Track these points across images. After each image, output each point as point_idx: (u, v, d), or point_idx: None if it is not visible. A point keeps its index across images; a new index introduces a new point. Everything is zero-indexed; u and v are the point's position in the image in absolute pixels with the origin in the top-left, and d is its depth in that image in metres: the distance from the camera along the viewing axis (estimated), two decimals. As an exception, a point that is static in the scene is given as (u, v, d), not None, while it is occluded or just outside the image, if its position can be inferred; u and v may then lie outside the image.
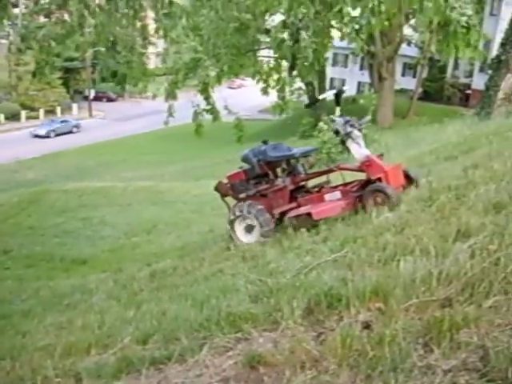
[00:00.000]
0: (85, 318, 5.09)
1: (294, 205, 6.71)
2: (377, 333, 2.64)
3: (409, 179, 6.45)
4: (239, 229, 6.91)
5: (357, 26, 17.18)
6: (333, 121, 6.78)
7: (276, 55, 31.01)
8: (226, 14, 20.17)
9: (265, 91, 31.80)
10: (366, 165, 6.30)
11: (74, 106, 56.74)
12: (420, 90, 39.94)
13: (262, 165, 6.86)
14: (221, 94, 24.78)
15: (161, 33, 12.00)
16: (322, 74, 35.33)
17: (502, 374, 2.21)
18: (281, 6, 14.12)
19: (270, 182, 6.93)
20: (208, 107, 24.81)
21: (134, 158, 39.09)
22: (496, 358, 2.28)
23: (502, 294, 2.76)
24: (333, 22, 18.26)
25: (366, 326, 2.85)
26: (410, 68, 50.53)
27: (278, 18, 27.94)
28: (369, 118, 7.53)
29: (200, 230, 12.63)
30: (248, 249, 6.13)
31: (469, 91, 37.35)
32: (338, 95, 6.88)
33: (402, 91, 42.34)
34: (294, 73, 29.17)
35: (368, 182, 6.30)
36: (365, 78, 48.77)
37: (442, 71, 44.71)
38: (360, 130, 6.54)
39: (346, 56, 52.26)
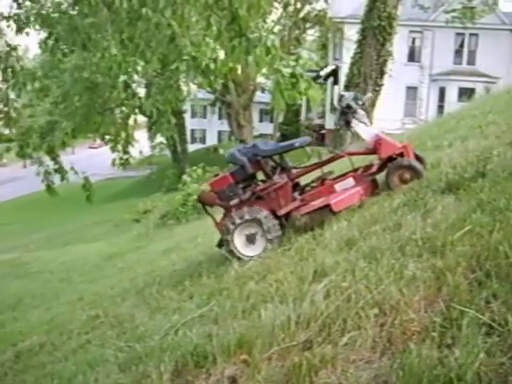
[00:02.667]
0: None
1: (298, 203, 5.95)
2: (242, 387, 2.66)
3: (418, 159, 5.88)
4: (239, 241, 5.88)
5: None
6: (341, 97, 6.04)
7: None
8: (78, 75, 19.88)
9: (113, 149, 31.44)
10: (377, 144, 5.78)
11: None
12: (278, 133, 41.42)
13: (259, 161, 6.05)
14: (81, 155, 24.27)
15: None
16: (181, 127, 35.73)
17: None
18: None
19: (263, 181, 6.14)
20: (56, 167, 24.11)
21: (-8, 230, 36.99)
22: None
23: (355, 330, 2.88)
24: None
25: (233, 380, 2.86)
26: (266, 114, 52.51)
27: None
28: (369, 95, 6.83)
29: (69, 299, 12.08)
30: (118, 314, 5.96)
31: (323, 131, 39.23)
32: (335, 72, 6.25)
33: (261, 136, 43.74)
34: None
35: (388, 160, 5.72)
36: (224, 126, 49.99)
37: (297, 114, 46.82)
38: (363, 107, 6.03)
39: (205, 107, 53.30)
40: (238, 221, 5.81)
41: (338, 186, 5.85)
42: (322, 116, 42.93)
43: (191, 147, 43.86)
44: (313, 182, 6.21)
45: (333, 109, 6.51)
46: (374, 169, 5.78)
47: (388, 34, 16.24)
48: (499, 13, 35.92)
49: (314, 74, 6.46)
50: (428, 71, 38.05)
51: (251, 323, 3.39)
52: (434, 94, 37.83)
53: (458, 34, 35.32)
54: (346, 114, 5.91)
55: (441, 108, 34.80)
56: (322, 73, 6.26)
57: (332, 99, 6.54)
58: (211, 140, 54.19)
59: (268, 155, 6.11)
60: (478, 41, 37.18)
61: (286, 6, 36.28)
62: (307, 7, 38.13)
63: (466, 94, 30.23)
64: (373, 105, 16.43)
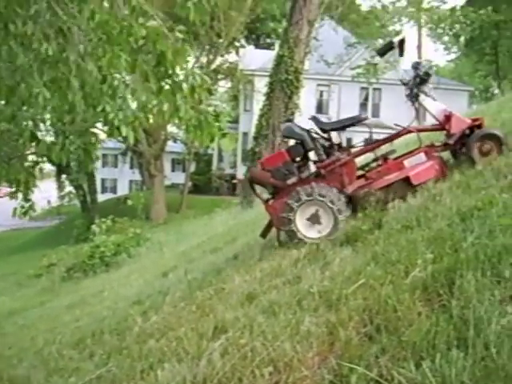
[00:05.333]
0: None
1: (363, 181, 5.59)
2: None
3: None
4: (301, 221, 5.35)
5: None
6: (417, 64, 5.75)
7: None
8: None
9: (12, 196, 30.41)
10: (447, 119, 5.52)
11: None
12: (190, 183, 41.40)
13: (315, 138, 5.61)
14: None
15: None
16: (91, 176, 35.06)
17: None
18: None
19: (315, 162, 5.68)
20: None
21: None
22: None
23: (250, 389, 2.84)
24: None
25: None
26: (178, 163, 52.45)
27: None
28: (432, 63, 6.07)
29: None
30: (13, 376, 5.62)
31: (235, 181, 39.56)
32: (402, 43, 5.95)
33: (173, 186, 43.62)
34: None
35: (469, 132, 5.44)
36: (136, 176, 49.45)
37: (209, 164, 47.10)
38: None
39: (116, 156, 52.65)
40: (304, 198, 5.30)
41: (407, 162, 5.53)
42: (234, 165, 43.38)
43: (102, 197, 43.01)
44: (376, 159, 5.84)
45: (400, 81, 6.11)
46: (452, 141, 5.46)
47: (295, 88, 16.70)
48: (400, 69, 37.87)
49: (385, 43, 6.19)
50: (335, 123, 39.34)
51: (148, 384, 3.28)
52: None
53: (362, 88, 36.93)
54: (424, 81, 5.65)
55: (348, 158, 35.89)
56: (396, 40, 5.92)
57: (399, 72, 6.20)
58: (122, 190, 53.40)
59: (334, 128, 5.78)
60: (382, 95, 39.01)
61: (198, 58, 36.76)
62: (219, 59, 38.81)
63: (371, 145, 31.37)
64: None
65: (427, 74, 5.64)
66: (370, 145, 5.84)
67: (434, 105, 5.70)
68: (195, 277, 6.71)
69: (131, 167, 53.15)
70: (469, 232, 3.44)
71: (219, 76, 40.52)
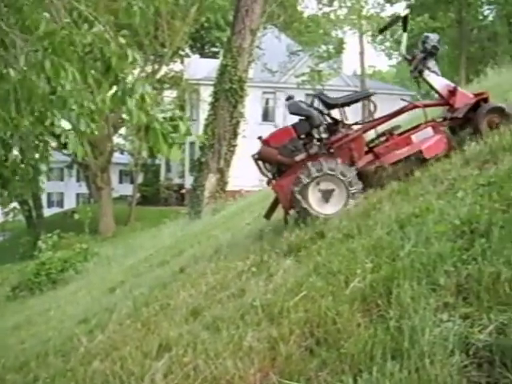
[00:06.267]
0: None
1: (371, 157, 5.56)
2: None
3: None
4: (314, 197, 5.25)
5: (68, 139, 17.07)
6: (426, 38, 5.74)
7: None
8: None
9: None
10: (451, 94, 5.58)
11: None
12: (138, 195, 40.94)
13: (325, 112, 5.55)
14: None
15: None
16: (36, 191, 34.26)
17: None
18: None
19: (319, 140, 5.53)
20: None
21: None
22: None
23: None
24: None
25: None
26: (126, 174, 51.83)
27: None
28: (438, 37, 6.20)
29: None
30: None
31: (183, 191, 39.32)
32: (405, 18, 6.06)
33: (121, 198, 43.04)
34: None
35: (475, 106, 5.46)
36: (83, 189, 48.67)
37: (157, 175, 46.72)
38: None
39: (62, 169, 51.68)
40: (315, 174, 5.20)
41: (415, 137, 5.50)
42: (182, 175, 43.14)
43: (48, 211, 42.08)
44: (382, 134, 5.79)
45: (404, 57, 6.08)
46: (461, 114, 5.47)
47: (239, 97, 16.75)
48: (343, 75, 38.52)
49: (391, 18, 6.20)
50: (282, 130, 39.60)
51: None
52: (288, 152, 39.33)
53: (307, 94, 37.28)
54: (433, 55, 5.68)
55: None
56: (404, 13, 6.04)
57: (401, 46, 6.18)
58: (69, 203, 52.39)
59: (343, 103, 5.68)
60: (327, 101, 39.46)
61: (142, 67, 36.48)
62: (164, 68, 38.60)
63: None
64: (228, 165, 16.76)
65: (435, 48, 5.71)
66: (377, 120, 5.83)
67: (438, 80, 5.76)
68: (142, 292, 6.62)
69: (78, 180, 52.28)
70: (407, 240, 3.48)
71: (165, 85, 40.32)
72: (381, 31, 7.54)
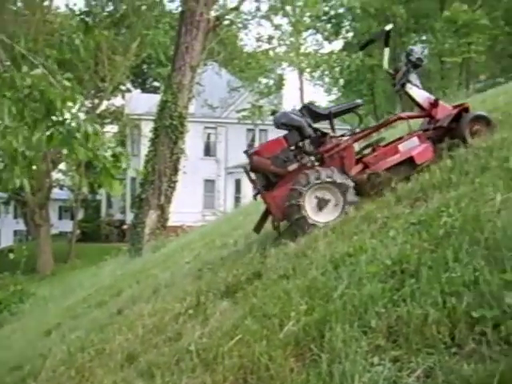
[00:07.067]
0: None
1: (360, 166, 5.66)
2: None
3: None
4: (310, 205, 5.28)
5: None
6: (411, 51, 5.98)
7: None
8: None
9: None
10: (432, 105, 5.80)
11: None
12: (78, 231, 40.11)
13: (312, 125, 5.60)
14: None
15: None
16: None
17: None
18: None
19: (320, 144, 5.66)
20: None
21: None
22: None
23: None
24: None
25: None
26: (65, 210, 50.78)
27: None
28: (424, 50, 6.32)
29: None
30: None
31: (125, 227, 38.78)
32: (388, 33, 6.19)
33: (61, 235, 42.10)
34: None
35: (457, 116, 5.69)
36: (21, 225, 47.37)
37: (98, 211, 45.97)
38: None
39: (-2, 206, 50.26)
40: (313, 181, 5.23)
41: (401, 146, 5.66)
42: (123, 211, 42.58)
43: (-17, 249, 40.73)
44: (367, 146, 5.98)
45: (387, 72, 6.20)
46: (445, 123, 5.68)
47: (180, 133, 16.75)
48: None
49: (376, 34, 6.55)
50: (224, 164, 39.83)
51: None
52: (230, 186, 39.51)
53: (249, 129, 37.64)
54: (417, 67, 5.91)
55: (237, 199, 36.38)
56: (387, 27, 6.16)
57: (383, 61, 6.34)
58: (6, 241, 50.76)
59: (334, 113, 5.78)
60: (268, 135, 39.94)
61: (82, 102, 36.15)
62: (105, 103, 38.33)
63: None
64: (169, 201, 16.65)
65: (420, 60, 5.94)
66: (363, 131, 6.00)
67: (420, 93, 5.95)
68: (78, 335, 6.44)
69: (15, 217, 50.88)
70: (340, 280, 3.50)
71: (105, 120, 40.02)
72: (362, 48, 7.87)
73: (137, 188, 26.36)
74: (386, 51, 6.26)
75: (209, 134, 39.99)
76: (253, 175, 5.79)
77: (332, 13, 39.35)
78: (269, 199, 5.60)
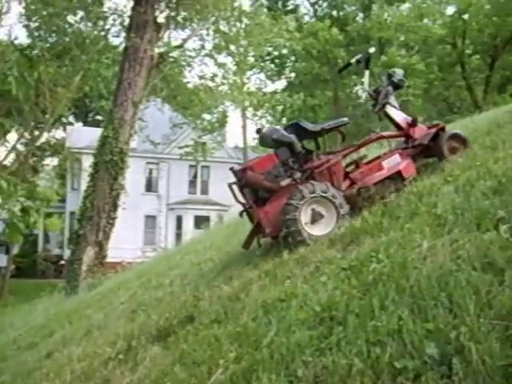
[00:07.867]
0: None
1: (348, 182, 5.90)
2: None
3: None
4: (304, 219, 5.33)
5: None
6: (393, 72, 6.35)
7: None
8: None
9: None
10: (410, 125, 6.18)
11: None
12: (13, 266, 38.80)
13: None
14: None
15: None
16: None
17: None
18: None
19: (309, 160, 5.81)
20: None
21: None
22: None
23: None
24: None
25: None
26: (0, 245, 49.14)
27: None
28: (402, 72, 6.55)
29: None
30: None
31: (62, 262, 37.81)
32: (368, 59, 6.54)
33: (-4, 271, 40.60)
34: None
35: (436, 135, 6.06)
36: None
37: (34, 245, 44.67)
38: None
39: None
40: (308, 196, 5.31)
41: (385, 163, 5.91)
42: (61, 246, 41.57)
43: None
44: (351, 163, 6.31)
45: (368, 94, 6.36)
46: (425, 141, 6.01)
47: (120, 169, 16.59)
48: (227, 148, 39.37)
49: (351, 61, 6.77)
50: (165, 200, 39.54)
51: None
52: (171, 222, 39.22)
53: (191, 165, 37.60)
54: (399, 87, 6.31)
55: (179, 235, 36.13)
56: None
57: (364, 83, 6.61)
58: None
59: (324, 130, 5.93)
60: (210, 172, 40.01)
61: (22, 134, 35.33)
62: (45, 135, 37.62)
63: (201, 221, 31.97)
64: (107, 237, 16.37)
65: (402, 81, 6.34)
66: (348, 148, 6.21)
67: (398, 114, 6.31)
68: (3, 380, 6.19)
69: None
70: (270, 327, 3.50)
71: (45, 153, 39.24)
72: (340, 70, 8.36)
73: (75, 223, 25.89)
74: (367, 73, 6.53)
75: (151, 170, 39.75)
76: (237, 191, 5.86)
77: (275, 53, 40.08)
78: (261, 214, 5.64)
